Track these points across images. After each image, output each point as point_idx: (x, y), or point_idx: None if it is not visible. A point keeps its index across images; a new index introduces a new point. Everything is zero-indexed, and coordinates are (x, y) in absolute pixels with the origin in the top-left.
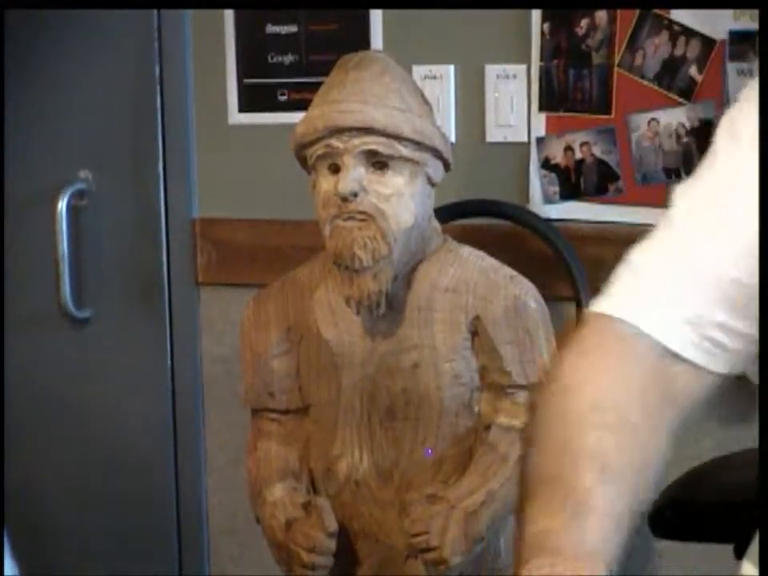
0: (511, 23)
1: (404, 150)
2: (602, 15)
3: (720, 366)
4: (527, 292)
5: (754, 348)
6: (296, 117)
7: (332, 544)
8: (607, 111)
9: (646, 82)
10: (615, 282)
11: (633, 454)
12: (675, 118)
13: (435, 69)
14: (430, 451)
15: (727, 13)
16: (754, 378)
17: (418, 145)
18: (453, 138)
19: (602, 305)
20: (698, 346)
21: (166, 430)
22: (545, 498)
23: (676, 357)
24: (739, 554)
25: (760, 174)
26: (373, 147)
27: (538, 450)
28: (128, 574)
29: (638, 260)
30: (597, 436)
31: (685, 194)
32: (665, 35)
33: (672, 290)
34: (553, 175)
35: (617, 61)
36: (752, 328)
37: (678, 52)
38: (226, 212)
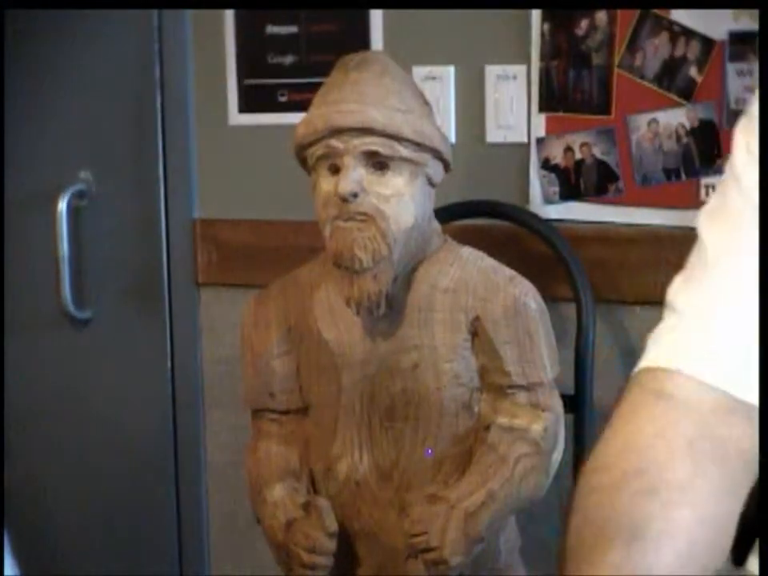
0: (511, 23)
1: (404, 151)
2: (601, 16)
3: None
4: (527, 292)
5: None
6: (296, 117)
7: (332, 544)
8: (607, 112)
9: (645, 83)
10: (663, 330)
11: (679, 514)
12: (675, 118)
13: (435, 69)
14: (429, 451)
15: (727, 13)
16: None
17: (418, 145)
18: (453, 139)
19: (652, 357)
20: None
21: (166, 430)
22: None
23: (737, 402)
24: (736, 560)
25: (760, 177)
26: (373, 148)
27: (573, 524)
28: (128, 574)
29: (681, 303)
30: (629, 503)
31: (712, 220)
32: (665, 36)
33: (727, 333)
34: (553, 176)
35: (617, 61)
36: None
37: (678, 53)
38: (226, 213)
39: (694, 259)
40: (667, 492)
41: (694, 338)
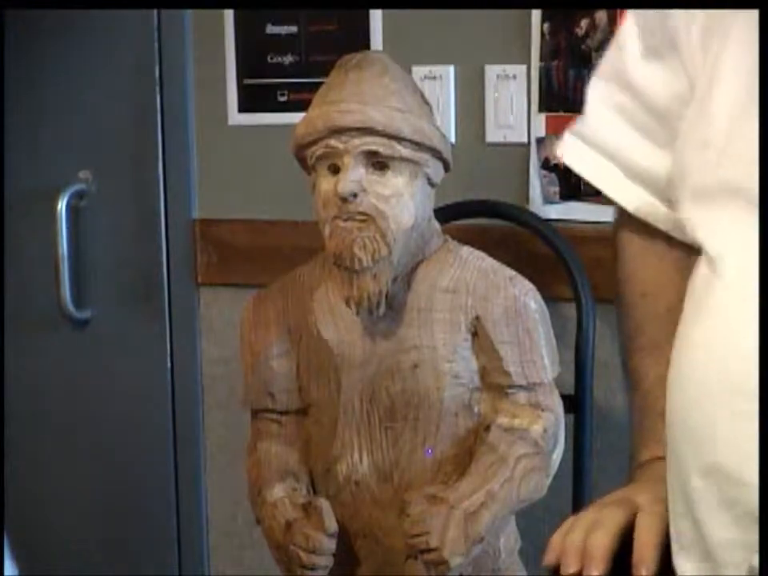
0: (511, 23)
1: (404, 151)
2: (601, 15)
3: None
4: (527, 292)
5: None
6: (296, 117)
7: (332, 544)
8: None
9: None
10: None
11: None
12: None
13: (435, 69)
14: (429, 452)
15: None
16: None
17: (418, 145)
18: (453, 139)
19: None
20: None
21: (166, 431)
22: None
23: None
24: None
25: (760, 171)
26: (373, 148)
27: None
28: (128, 574)
29: None
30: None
31: None
32: None
33: None
34: (553, 175)
35: None
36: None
37: None
38: (225, 212)
39: None
40: None
41: None
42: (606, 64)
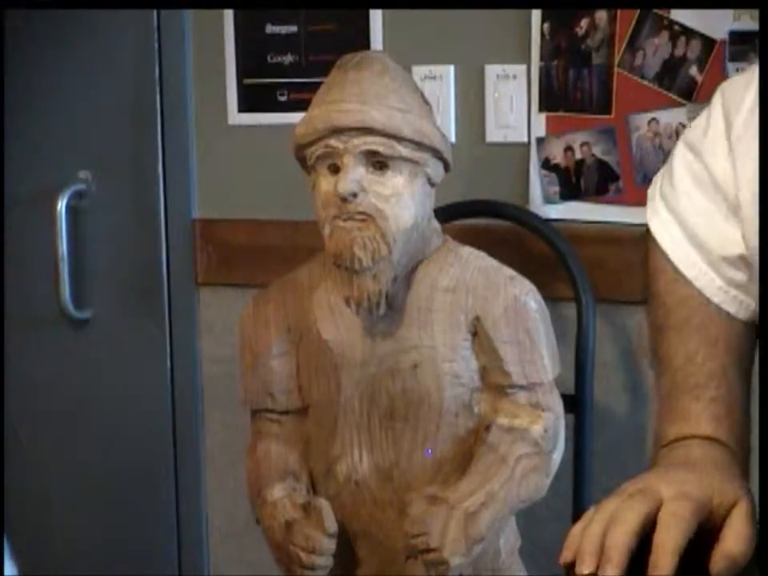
0: (511, 23)
1: (404, 150)
2: (601, 15)
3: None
4: (527, 292)
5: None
6: (296, 117)
7: (332, 545)
8: (607, 111)
9: (646, 82)
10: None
11: None
12: (675, 118)
13: (435, 69)
14: (429, 452)
15: (727, 13)
16: None
17: (418, 145)
18: (453, 138)
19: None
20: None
21: (166, 431)
22: None
23: None
24: None
25: (760, 172)
26: (373, 147)
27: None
28: (128, 574)
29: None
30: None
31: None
32: (665, 35)
33: None
34: (553, 175)
35: (617, 61)
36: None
37: (679, 52)
38: (225, 212)
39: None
40: None
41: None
42: (694, 134)
